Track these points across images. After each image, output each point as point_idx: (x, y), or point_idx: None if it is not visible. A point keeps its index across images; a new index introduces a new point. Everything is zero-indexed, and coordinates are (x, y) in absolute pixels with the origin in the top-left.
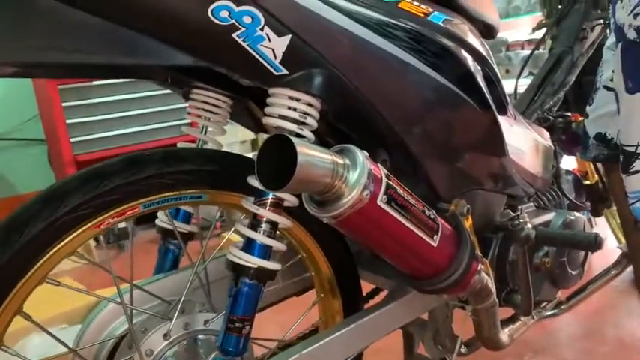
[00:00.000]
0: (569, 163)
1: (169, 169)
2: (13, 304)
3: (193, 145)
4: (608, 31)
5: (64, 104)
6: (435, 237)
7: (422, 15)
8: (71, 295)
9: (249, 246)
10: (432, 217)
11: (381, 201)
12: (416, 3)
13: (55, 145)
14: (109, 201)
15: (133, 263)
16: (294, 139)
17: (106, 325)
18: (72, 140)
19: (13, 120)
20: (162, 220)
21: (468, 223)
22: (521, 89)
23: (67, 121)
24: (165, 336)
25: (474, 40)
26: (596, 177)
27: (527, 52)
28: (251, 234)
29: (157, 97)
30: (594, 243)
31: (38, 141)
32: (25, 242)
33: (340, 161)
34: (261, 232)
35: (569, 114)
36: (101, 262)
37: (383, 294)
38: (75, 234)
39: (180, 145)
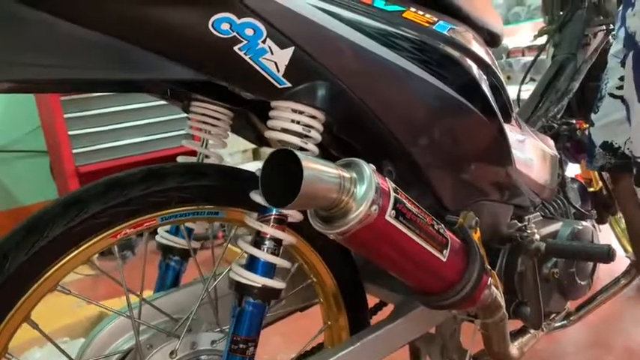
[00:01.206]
0: (571, 169)
1: (190, 182)
2: (22, 310)
3: (193, 159)
4: (610, 37)
5: (65, 115)
6: (444, 252)
7: (427, 24)
8: (71, 308)
9: (252, 264)
10: (441, 231)
11: (389, 216)
12: (420, 12)
13: (57, 157)
14: (128, 211)
15: (143, 278)
16: (299, 154)
17: (112, 340)
18: (74, 151)
19: (15, 132)
20: (162, 236)
21: (476, 236)
22: (523, 95)
23: (69, 133)
24: (172, 354)
25: (479, 48)
26: (601, 184)
27: (527, 58)
28: (254, 252)
29: (158, 108)
30: (607, 255)
31: (40, 152)
32: (41, 247)
33: (347, 175)
34: (265, 249)
35: (573, 121)
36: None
37: (388, 307)
38: (92, 242)
39: (179, 159)
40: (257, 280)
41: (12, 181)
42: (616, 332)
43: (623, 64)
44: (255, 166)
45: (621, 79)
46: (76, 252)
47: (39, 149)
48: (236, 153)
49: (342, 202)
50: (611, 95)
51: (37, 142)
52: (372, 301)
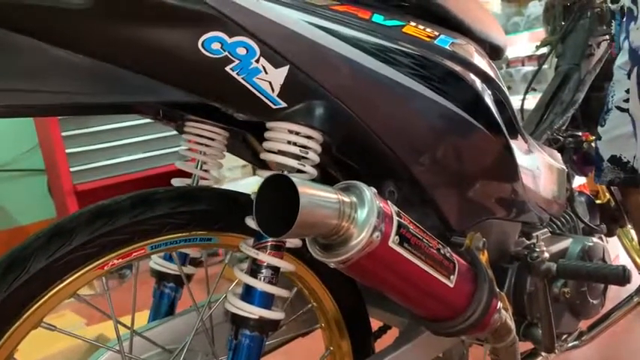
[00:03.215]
0: (576, 180)
1: (182, 208)
2: (4, 350)
3: (188, 180)
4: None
5: (63, 134)
6: (451, 277)
7: (427, 39)
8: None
9: (249, 294)
10: (448, 255)
11: (392, 242)
12: (421, 26)
13: (55, 175)
14: (116, 240)
15: (134, 309)
16: (295, 179)
17: None
18: (72, 169)
19: (13, 150)
20: (156, 262)
21: (484, 258)
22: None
23: (67, 151)
24: None
25: (481, 62)
26: (608, 195)
27: (527, 68)
28: (251, 281)
29: (157, 124)
30: (622, 277)
31: (38, 171)
32: (23, 282)
33: (346, 199)
34: (262, 278)
35: (579, 133)
36: (101, 295)
37: (393, 330)
38: (77, 275)
39: (174, 181)
40: (253, 311)
41: (9, 200)
42: (625, 348)
43: (629, 76)
44: (254, 181)
45: (628, 91)
46: (61, 286)
47: (36, 168)
48: (235, 168)
49: (342, 229)
50: (618, 108)
51: (34, 160)
52: (375, 324)
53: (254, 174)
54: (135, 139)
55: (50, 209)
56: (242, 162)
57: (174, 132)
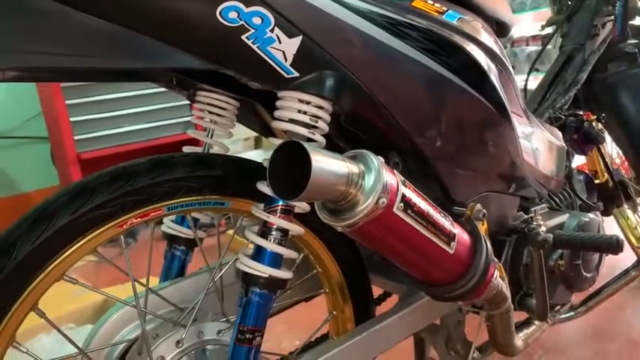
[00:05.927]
0: (576, 160)
1: (197, 173)
2: (29, 300)
3: (198, 148)
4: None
5: (67, 102)
6: (451, 244)
7: (436, 13)
8: (76, 295)
9: (259, 254)
10: (449, 223)
11: (397, 209)
12: (430, 1)
13: (58, 143)
14: (135, 200)
15: (150, 267)
16: (307, 146)
17: (119, 328)
18: (75, 138)
19: (16, 118)
20: (168, 225)
21: (483, 228)
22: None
23: (71, 119)
24: (178, 343)
25: (488, 38)
26: (607, 176)
27: (532, 48)
28: (261, 242)
29: (161, 94)
30: (615, 246)
31: (41, 139)
32: (48, 236)
33: (355, 168)
34: (272, 239)
35: (581, 112)
36: (113, 261)
37: (393, 298)
38: (98, 231)
39: (185, 148)
40: (264, 270)
41: (12, 167)
42: (618, 322)
43: None
44: (256, 155)
45: None
46: (83, 242)
47: (40, 136)
48: (237, 141)
49: (349, 195)
50: None
51: (37, 128)
52: (376, 291)
53: (256, 148)
54: (139, 109)
55: (53, 177)
56: (244, 135)
57: (178, 103)
